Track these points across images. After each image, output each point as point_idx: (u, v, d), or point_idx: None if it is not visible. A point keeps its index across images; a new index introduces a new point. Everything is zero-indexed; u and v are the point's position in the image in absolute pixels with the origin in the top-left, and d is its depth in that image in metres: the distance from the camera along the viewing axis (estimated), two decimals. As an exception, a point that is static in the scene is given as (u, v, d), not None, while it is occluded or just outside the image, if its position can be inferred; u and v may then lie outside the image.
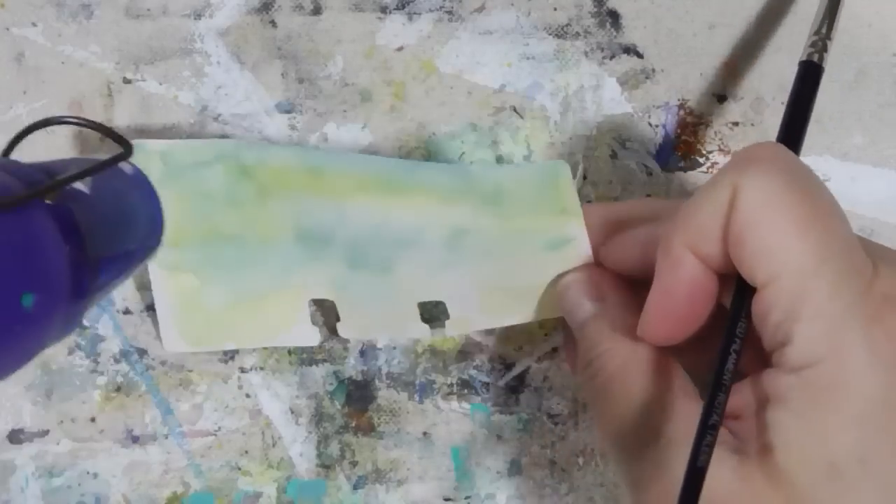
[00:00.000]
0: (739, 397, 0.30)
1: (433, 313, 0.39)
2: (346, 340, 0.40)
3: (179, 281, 0.38)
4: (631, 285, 0.35)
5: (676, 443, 0.29)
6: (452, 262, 0.37)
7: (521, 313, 0.38)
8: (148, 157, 0.37)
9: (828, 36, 0.36)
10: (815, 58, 0.36)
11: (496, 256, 0.37)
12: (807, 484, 0.28)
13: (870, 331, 0.28)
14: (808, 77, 0.35)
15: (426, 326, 0.38)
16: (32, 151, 0.40)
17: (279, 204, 0.37)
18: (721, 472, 0.28)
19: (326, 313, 0.40)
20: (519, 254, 0.37)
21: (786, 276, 0.28)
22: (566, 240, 0.37)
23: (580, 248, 0.36)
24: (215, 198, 0.37)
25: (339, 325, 0.38)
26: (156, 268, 0.38)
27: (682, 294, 0.31)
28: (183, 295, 0.38)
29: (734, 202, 0.29)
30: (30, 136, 0.40)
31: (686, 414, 0.30)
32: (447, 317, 0.38)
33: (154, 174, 0.36)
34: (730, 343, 0.29)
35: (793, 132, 0.34)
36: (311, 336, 0.39)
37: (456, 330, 0.38)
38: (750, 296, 0.29)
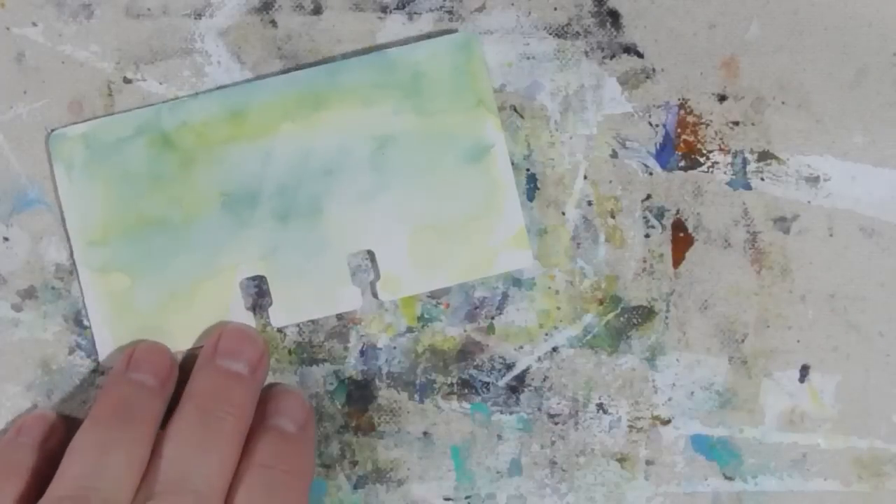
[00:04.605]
0: None
1: (364, 279, 0.39)
2: (347, 340, 0.40)
3: (110, 282, 0.39)
4: None
5: None
6: (379, 188, 0.39)
7: (451, 270, 0.39)
8: (71, 145, 0.39)
9: None
10: None
11: (419, 172, 0.39)
12: None
13: None
14: None
15: (357, 291, 0.39)
16: (32, 151, 0.40)
17: (203, 170, 0.39)
18: None
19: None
20: (441, 168, 0.39)
21: None
22: (485, 147, 0.39)
23: (500, 160, 0.39)
24: (139, 177, 0.39)
25: (271, 311, 0.39)
26: (86, 272, 0.39)
27: None
28: (115, 299, 0.39)
29: None
30: (29, 136, 0.40)
31: None
32: (378, 276, 0.39)
33: (78, 161, 0.39)
34: None
35: None
36: (245, 322, 0.39)
37: (388, 294, 0.39)
38: None
